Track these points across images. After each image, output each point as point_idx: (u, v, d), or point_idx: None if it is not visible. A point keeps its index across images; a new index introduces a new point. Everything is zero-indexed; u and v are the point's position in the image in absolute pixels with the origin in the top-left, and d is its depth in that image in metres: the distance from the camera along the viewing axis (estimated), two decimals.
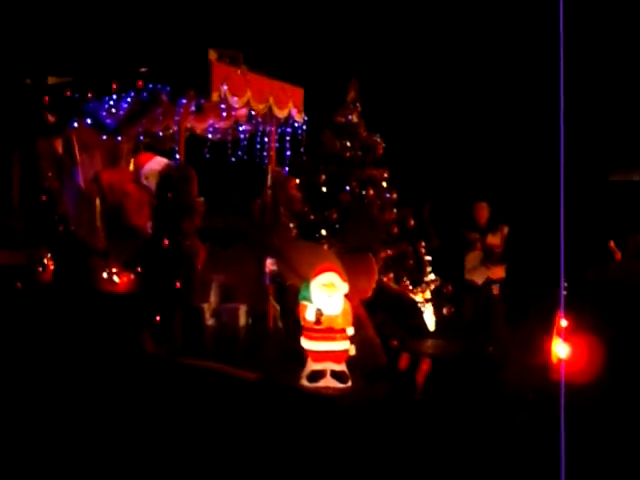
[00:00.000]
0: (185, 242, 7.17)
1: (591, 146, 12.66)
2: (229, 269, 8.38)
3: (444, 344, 7.04)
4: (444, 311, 7.49)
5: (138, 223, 8.20)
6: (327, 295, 6.22)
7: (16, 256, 8.48)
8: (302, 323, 6.37)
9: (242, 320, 8.58)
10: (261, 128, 8.49)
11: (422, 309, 7.40)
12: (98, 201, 8.49)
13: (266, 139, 8.52)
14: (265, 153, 8.53)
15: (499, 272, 8.51)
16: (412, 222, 7.41)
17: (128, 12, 10.29)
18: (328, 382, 6.28)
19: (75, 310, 7.71)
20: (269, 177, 8.42)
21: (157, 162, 8.72)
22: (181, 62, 7.40)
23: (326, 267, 6.34)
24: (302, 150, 8.21)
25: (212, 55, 7.44)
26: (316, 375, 6.27)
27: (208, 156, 8.57)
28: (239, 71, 7.46)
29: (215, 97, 7.21)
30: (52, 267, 8.19)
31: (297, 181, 8.33)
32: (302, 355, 6.69)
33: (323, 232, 7.50)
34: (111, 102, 7.72)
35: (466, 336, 7.41)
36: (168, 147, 9.13)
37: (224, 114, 7.97)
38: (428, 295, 7.63)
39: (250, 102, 7.63)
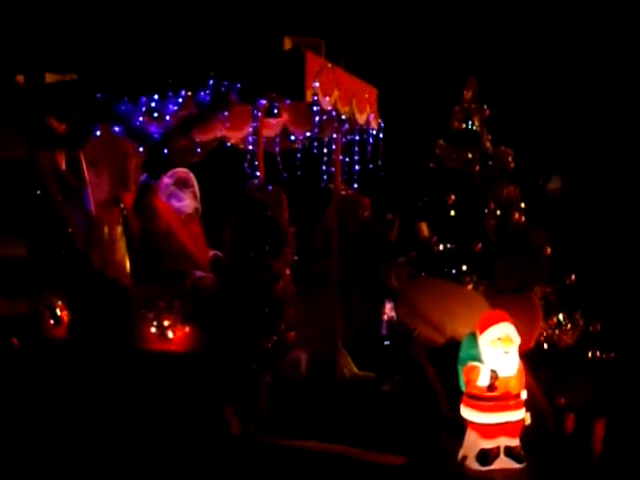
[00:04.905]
0: (276, 285, 5.53)
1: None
2: None
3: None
4: (589, 355, 6.31)
5: (184, 259, 6.44)
6: (504, 352, 4.84)
7: (13, 304, 6.50)
8: (467, 389, 4.94)
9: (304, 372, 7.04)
10: (319, 136, 6.91)
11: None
12: (107, 229, 6.68)
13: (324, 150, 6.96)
14: (325, 167, 6.96)
15: None
16: (549, 251, 6.14)
17: None
18: (502, 463, 4.91)
19: (112, 379, 5.85)
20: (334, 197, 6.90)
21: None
22: (256, 53, 5.74)
23: (498, 316, 4.97)
24: (380, 164, 6.70)
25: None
26: (488, 455, 4.88)
27: (249, 171, 6.85)
28: (329, 64, 5.89)
29: (309, 97, 5.62)
30: (67, 319, 6.26)
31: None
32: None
33: (464, 267, 6.04)
34: (152, 104, 5.92)
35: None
36: (189, 162, 7.43)
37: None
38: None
39: (337, 103, 6.07)
